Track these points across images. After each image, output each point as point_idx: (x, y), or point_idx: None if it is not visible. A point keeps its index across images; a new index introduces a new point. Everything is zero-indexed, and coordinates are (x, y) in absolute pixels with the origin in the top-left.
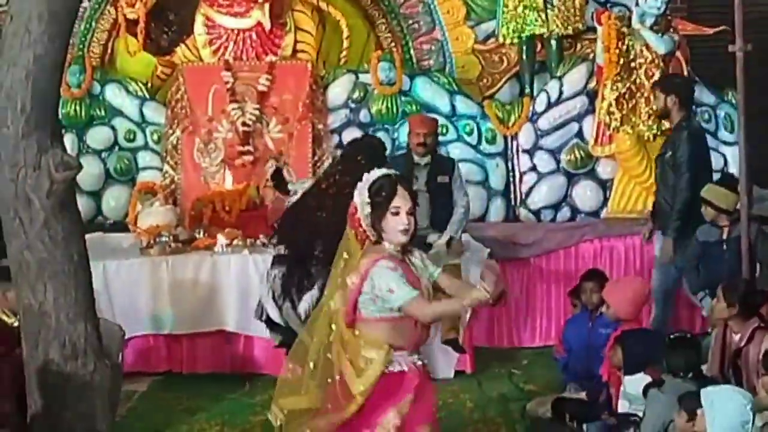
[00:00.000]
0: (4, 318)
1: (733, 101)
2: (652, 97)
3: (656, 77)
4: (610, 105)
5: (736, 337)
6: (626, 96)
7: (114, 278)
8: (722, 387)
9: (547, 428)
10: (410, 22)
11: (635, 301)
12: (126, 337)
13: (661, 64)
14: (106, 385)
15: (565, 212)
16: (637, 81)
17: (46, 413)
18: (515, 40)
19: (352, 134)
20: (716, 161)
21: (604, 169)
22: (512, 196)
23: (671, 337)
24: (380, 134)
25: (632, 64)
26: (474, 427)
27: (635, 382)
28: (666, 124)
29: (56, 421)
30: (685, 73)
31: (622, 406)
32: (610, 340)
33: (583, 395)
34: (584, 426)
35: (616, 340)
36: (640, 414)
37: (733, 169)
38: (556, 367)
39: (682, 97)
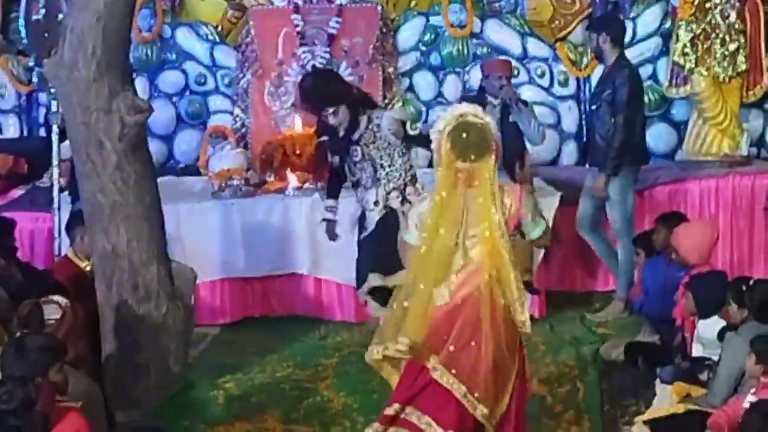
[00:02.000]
0: (78, 262)
1: None
2: (727, 38)
3: (732, 18)
4: (684, 46)
5: None
6: (701, 37)
7: (186, 221)
8: None
9: (620, 371)
10: None
11: (703, 245)
12: (198, 280)
13: (737, 4)
14: (178, 327)
15: None
16: (713, 22)
17: (119, 355)
18: None
19: (423, 77)
20: None
21: (678, 111)
22: (585, 139)
23: (751, 280)
24: (451, 77)
25: (707, 5)
26: (546, 369)
27: (709, 326)
28: (742, 66)
29: (130, 362)
30: (762, 14)
31: (696, 350)
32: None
33: (656, 339)
34: (657, 369)
35: (685, 286)
36: (715, 358)
37: None
38: (629, 310)
39: (613, 35)
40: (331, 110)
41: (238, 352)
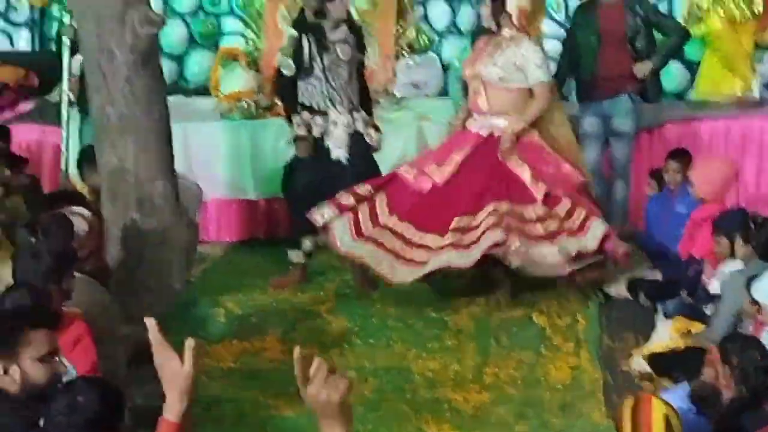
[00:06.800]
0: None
1: None
2: None
3: None
4: None
5: None
6: None
7: (194, 141)
8: None
9: (620, 306)
10: None
11: (720, 183)
12: (204, 198)
13: None
14: (182, 243)
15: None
16: None
17: (123, 267)
18: None
19: (437, 6)
20: None
21: (692, 51)
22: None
23: (759, 218)
24: (465, 7)
25: None
26: (547, 303)
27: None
28: (759, 7)
29: (132, 276)
30: None
31: (714, 287)
32: (689, 221)
33: (658, 276)
34: (659, 304)
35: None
36: None
37: None
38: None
39: None
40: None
41: (241, 273)
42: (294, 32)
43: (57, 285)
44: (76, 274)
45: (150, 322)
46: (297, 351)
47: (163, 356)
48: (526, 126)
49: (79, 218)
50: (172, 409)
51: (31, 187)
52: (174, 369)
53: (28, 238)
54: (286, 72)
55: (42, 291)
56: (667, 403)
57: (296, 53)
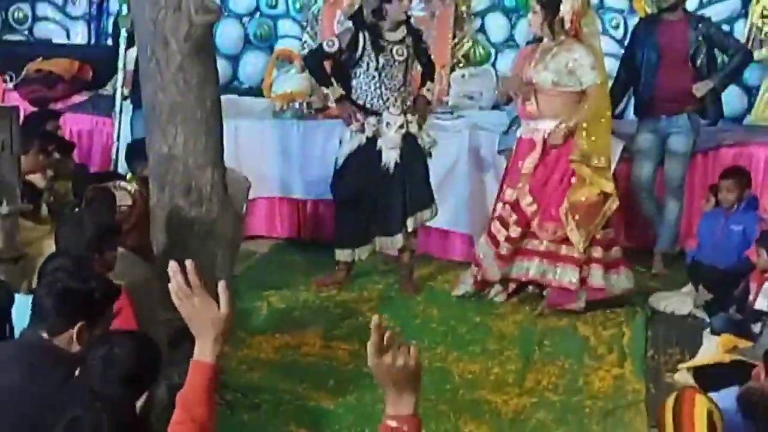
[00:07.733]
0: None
1: None
2: None
3: None
4: (764, 9)
5: None
6: None
7: (245, 138)
8: None
9: (666, 320)
10: None
11: None
12: (254, 195)
13: None
14: (228, 234)
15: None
16: None
17: (167, 256)
18: None
19: (495, 19)
20: None
21: (751, 75)
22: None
23: None
24: (523, 20)
25: None
26: (592, 314)
27: None
28: None
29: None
30: None
31: (760, 304)
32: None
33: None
34: (708, 318)
35: (757, 242)
36: None
37: None
38: (682, 268)
39: None
40: None
41: (286, 270)
42: (350, 24)
43: (99, 255)
44: (120, 249)
45: (190, 264)
46: (376, 318)
47: (199, 302)
48: (577, 125)
49: (123, 192)
50: (208, 351)
51: (80, 173)
52: (212, 313)
53: (72, 210)
54: (326, 48)
55: (84, 259)
56: (711, 400)
57: (349, 46)
